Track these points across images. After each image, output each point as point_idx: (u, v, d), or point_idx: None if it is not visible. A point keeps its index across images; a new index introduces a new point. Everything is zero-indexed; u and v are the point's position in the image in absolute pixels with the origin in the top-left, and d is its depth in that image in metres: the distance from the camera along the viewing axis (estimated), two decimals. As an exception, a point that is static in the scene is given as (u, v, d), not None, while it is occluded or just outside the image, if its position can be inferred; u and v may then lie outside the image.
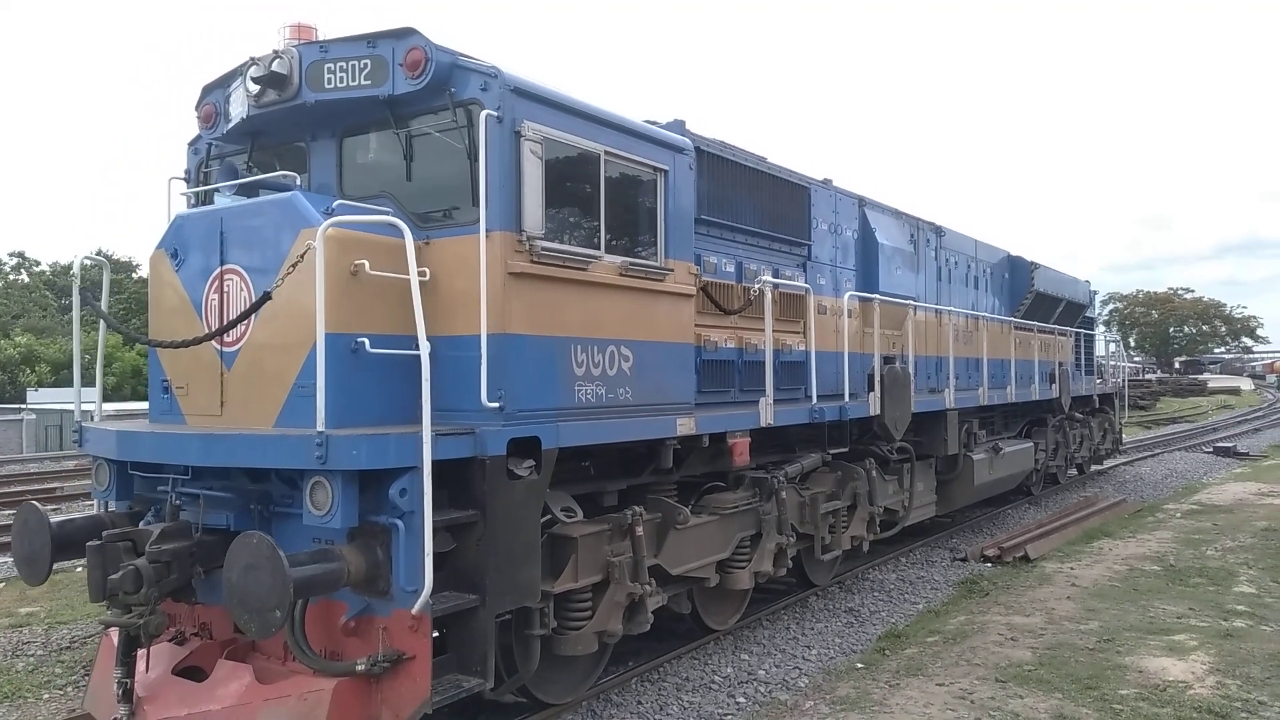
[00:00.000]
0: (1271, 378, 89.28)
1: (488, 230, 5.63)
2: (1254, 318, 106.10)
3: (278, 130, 6.68)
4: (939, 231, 13.28)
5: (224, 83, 6.82)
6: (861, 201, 11.22)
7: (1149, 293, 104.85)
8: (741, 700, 7.06)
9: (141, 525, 5.98)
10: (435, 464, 5.10)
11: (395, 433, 5.23)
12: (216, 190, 6.41)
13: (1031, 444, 15.64)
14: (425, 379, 5.14)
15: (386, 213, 5.74)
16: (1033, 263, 16.66)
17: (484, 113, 5.73)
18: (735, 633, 8.63)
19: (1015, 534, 13.37)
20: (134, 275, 69.47)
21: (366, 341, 5.39)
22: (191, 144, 7.34)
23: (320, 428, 5.04)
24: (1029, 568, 11.32)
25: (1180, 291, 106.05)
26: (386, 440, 5.16)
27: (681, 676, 7.52)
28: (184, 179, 7.31)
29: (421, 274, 5.55)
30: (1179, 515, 15.20)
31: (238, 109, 6.60)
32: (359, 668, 5.19)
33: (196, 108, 7.10)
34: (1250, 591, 9.95)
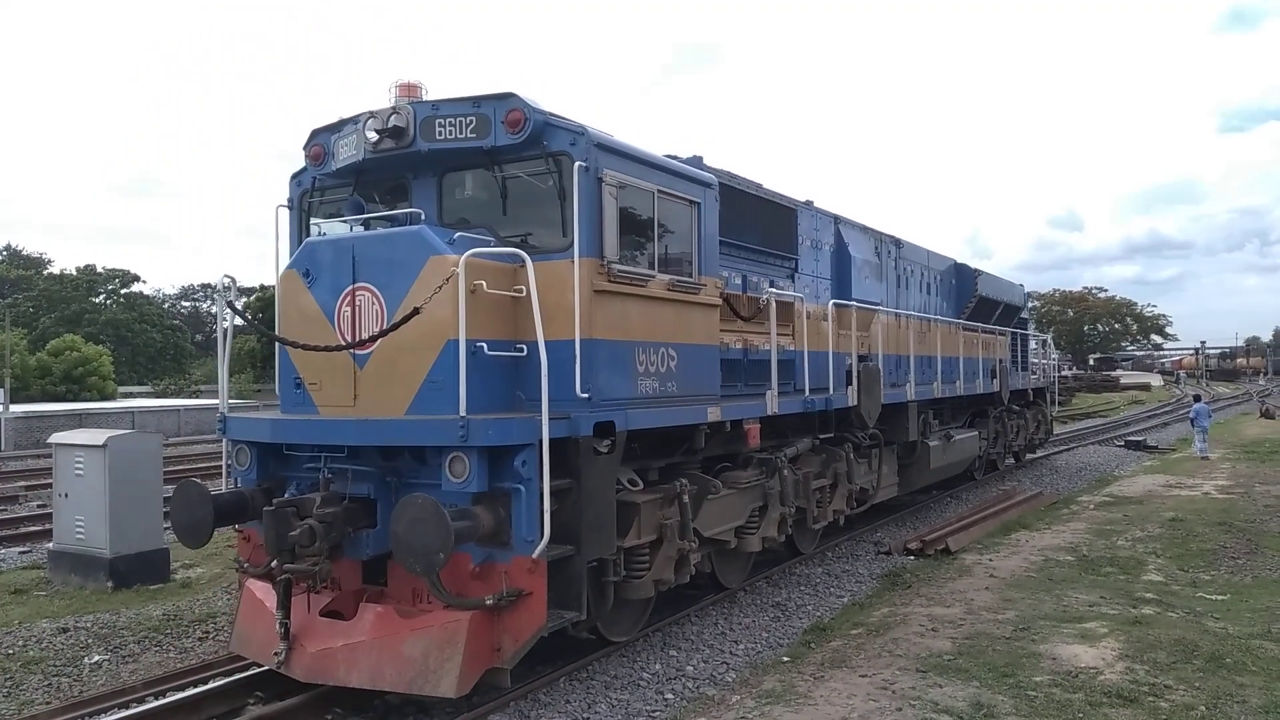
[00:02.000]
0: (1182, 374, 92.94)
1: (579, 257, 7.09)
2: (1163, 316, 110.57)
3: (383, 169, 7.98)
4: (898, 244, 14.91)
5: (334, 129, 8.14)
6: (837, 219, 12.85)
7: (1065, 292, 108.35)
8: (670, 697, 7.11)
9: (288, 497, 7.10)
10: (536, 443, 6.45)
11: (518, 417, 6.66)
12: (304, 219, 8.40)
13: (976, 433, 17.54)
14: (545, 376, 6.50)
15: (489, 241, 7.21)
16: (976, 270, 18.68)
17: (576, 164, 7.13)
18: (664, 629, 8.69)
19: (937, 527, 13.69)
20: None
21: (484, 345, 6.80)
22: (295, 177, 8.62)
23: (462, 413, 6.37)
24: (950, 560, 11.61)
25: (1094, 291, 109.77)
26: (511, 423, 6.56)
27: (610, 674, 7.54)
28: (287, 207, 8.61)
29: (518, 290, 7.04)
30: (1092, 507, 15.77)
31: (349, 152, 7.88)
32: (488, 602, 6.47)
33: (305, 147, 8.39)
34: (1158, 580, 10.36)
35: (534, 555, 6.46)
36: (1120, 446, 27.91)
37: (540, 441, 6.42)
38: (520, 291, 7.00)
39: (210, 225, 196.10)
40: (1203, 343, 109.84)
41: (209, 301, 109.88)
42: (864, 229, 13.70)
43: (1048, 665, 7.07)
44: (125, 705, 7.02)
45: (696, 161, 9.40)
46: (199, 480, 7.42)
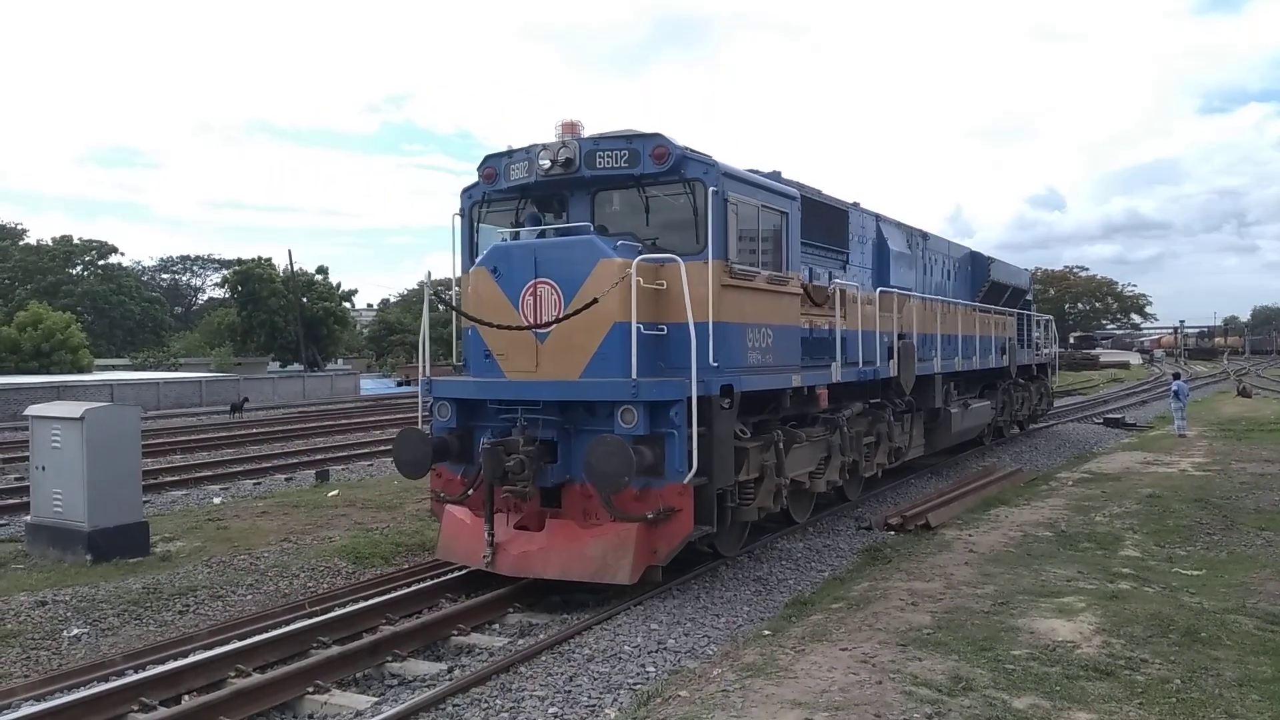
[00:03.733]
0: (1159, 353, 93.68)
1: (711, 259, 9.28)
2: (1143, 295, 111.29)
3: (546, 189, 10.10)
4: (925, 236, 17.32)
5: (505, 155, 10.22)
6: (878, 217, 15.09)
7: (1047, 270, 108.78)
8: (651, 670, 7.14)
9: (497, 439, 9.20)
10: (685, 399, 8.62)
11: (673, 380, 8.83)
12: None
13: (989, 403, 19.69)
14: (694, 350, 8.68)
15: (637, 247, 9.34)
16: (989, 258, 21.16)
17: (710, 189, 9.25)
18: (645, 603, 8.74)
19: (917, 503, 13.80)
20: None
21: (640, 327, 8.73)
22: (467, 191, 10.74)
23: (634, 376, 8.59)
24: (930, 535, 11.69)
25: (1075, 270, 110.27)
26: (669, 384, 8.80)
27: (591, 648, 7.57)
28: (459, 215, 10.76)
29: (660, 284, 9.17)
30: (1071, 484, 15.91)
31: (520, 174, 10.01)
32: (649, 517, 8.66)
33: (479, 168, 10.48)
34: (1135, 555, 10.47)
35: (684, 482, 8.68)
36: (1099, 424, 28.16)
37: (689, 399, 8.61)
38: (661, 285, 9.16)
39: (188, 197, 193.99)
40: (1181, 322, 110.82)
41: (188, 274, 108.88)
42: (898, 224, 15.97)
43: (1026, 639, 7.13)
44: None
45: (776, 175, 11.65)
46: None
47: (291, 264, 64.39)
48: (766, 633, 7.82)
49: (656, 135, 9.49)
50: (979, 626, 7.45)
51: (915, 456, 15.85)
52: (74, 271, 78.74)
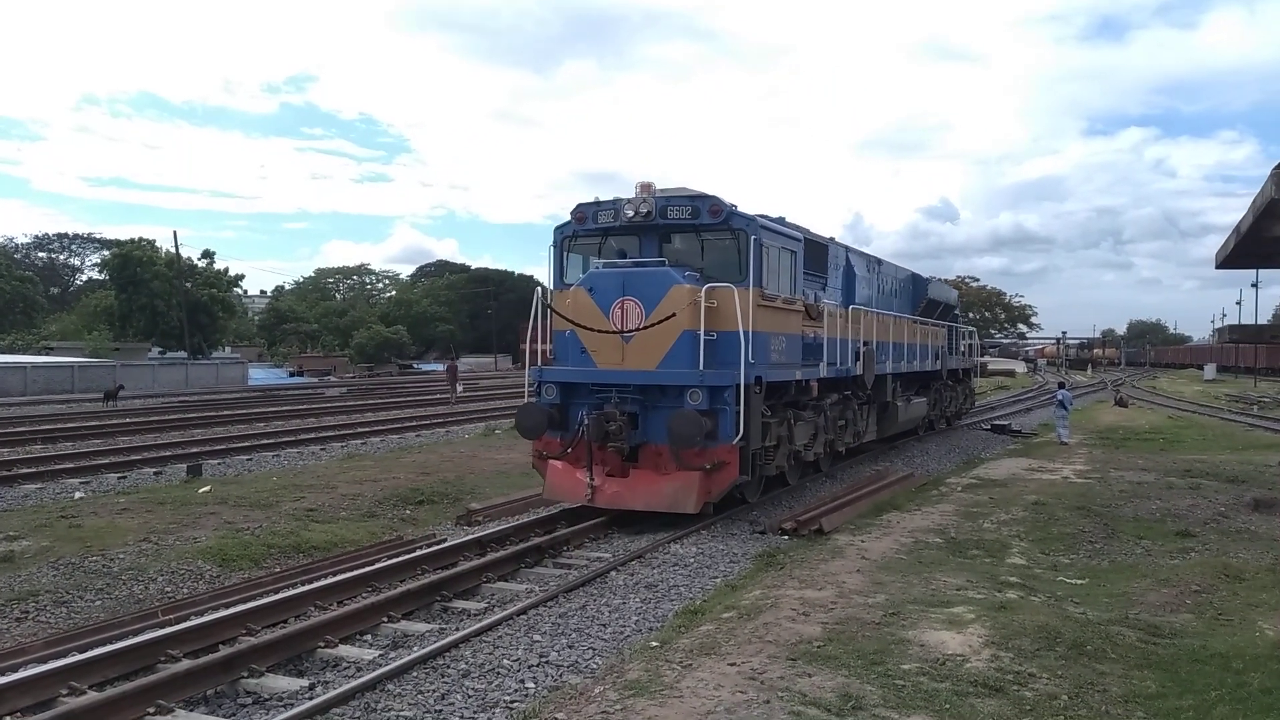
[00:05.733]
0: (1042, 362, 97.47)
1: (751, 286, 12.77)
2: (1030, 306, 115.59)
3: (625, 231, 13.50)
4: (880, 262, 21.23)
5: (594, 204, 13.69)
6: (847, 249, 18.71)
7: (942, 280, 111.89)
8: (531, 685, 6.77)
9: (600, 411, 12.55)
10: (735, 385, 12.09)
11: (725, 371, 12.19)
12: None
13: (925, 399, 23.67)
14: (744, 350, 12.11)
15: (696, 277, 12.72)
16: (927, 279, 25.40)
17: (752, 238, 12.87)
18: (529, 611, 8.34)
19: (811, 507, 13.72)
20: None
21: (703, 334, 12.22)
22: (559, 228, 14.05)
23: (701, 369, 12.19)
24: (823, 540, 11.59)
25: (968, 280, 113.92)
26: (724, 374, 12.18)
27: (468, 662, 7.17)
28: (553, 247, 14.10)
29: (711, 302, 12.41)
30: (960, 489, 16.10)
31: (606, 219, 13.50)
32: (707, 467, 12.04)
33: (572, 213, 13.81)
34: (1021, 563, 10.54)
35: (732, 443, 12.16)
36: (986, 430, 28.82)
37: (737, 385, 12.10)
38: (714, 304, 12.46)
39: (69, 172, 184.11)
40: (1064, 333, 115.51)
41: (66, 253, 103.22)
42: (861, 253, 19.76)
43: (916, 652, 6.97)
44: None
45: (782, 220, 14.89)
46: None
47: (177, 246, 61.53)
48: (654, 644, 7.48)
49: (714, 197, 13.07)
50: (870, 639, 7.26)
51: (869, 440, 19.38)
52: (-63, 246, 73.70)
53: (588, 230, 13.76)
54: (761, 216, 13.66)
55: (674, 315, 12.24)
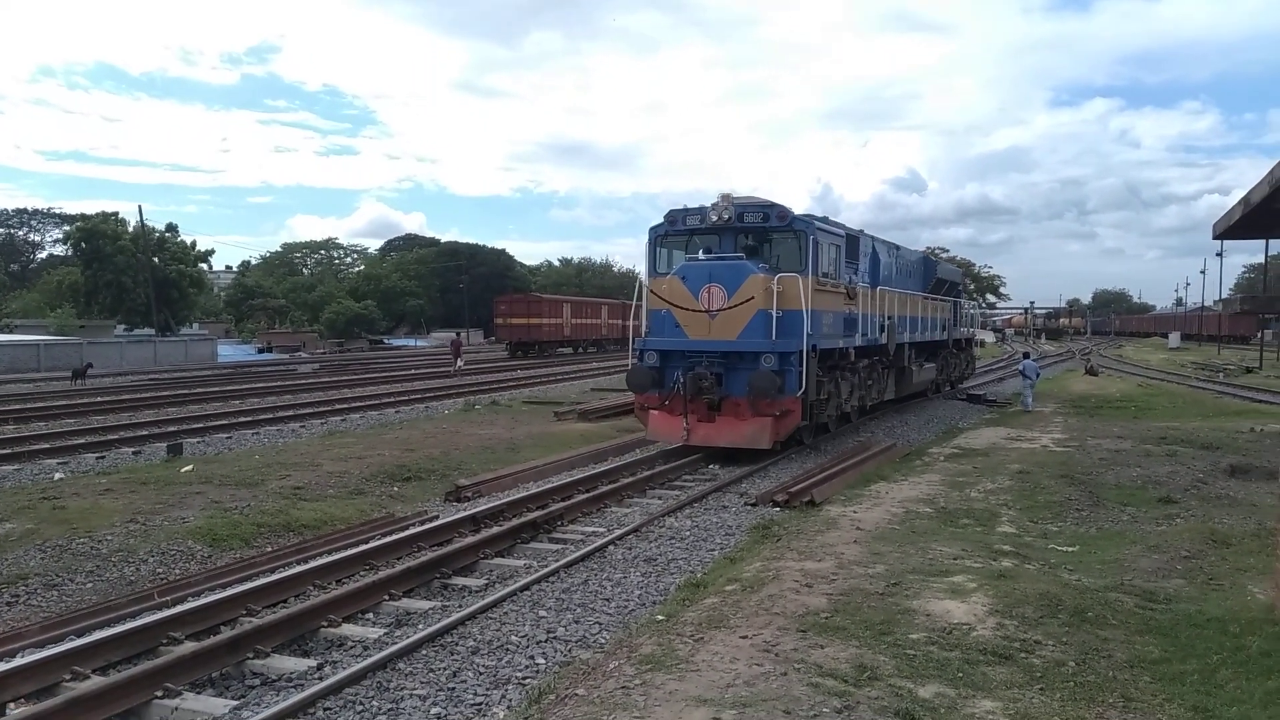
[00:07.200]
0: (1010, 332, 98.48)
1: (810, 275, 16.11)
2: (998, 276, 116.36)
3: (708, 231, 16.95)
4: (898, 247, 24.03)
5: (683, 210, 17.20)
6: (873, 238, 21.46)
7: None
8: (541, 661, 6.76)
9: (694, 371, 16.00)
10: (799, 351, 15.58)
11: (791, 340, 15.63)
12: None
13: (934, 365, 27.20)
14: (806, 325, 15.72)
15: (766, 268, 16.29)
16: (936, 260, 30.65)
17: (810, 237, 16.34)
18: (532, 587, 8.33)
19: (800, 478, 13.81)
20: None
21: (775, 313, 15.69)
22: (654, 229, 17.63)
23: (774, 339, 15.71)
24: (815, 512, 11.64)
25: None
26: (789, 342, 15.64)
27: (475, 639, 7.16)
28: (649, 244, 17.70)
29: (780, 289, 15.67)
30: (943, 459, 16.25)
31: (694, 222, 16.98)
32: (776, 414, 15.57)
33: (665, 216, 17.43)
34: (1012, 531, 10.65)
35: (796, 396, 15.55)
36: (962, 400, 29.11)
37: (802, 351, 15.51)
38: (781, 289, 15.67)
39: (25, 145, 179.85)
40: (1032, 303, 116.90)
41: (25, 229, 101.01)
42: (883, 241, 22.43)
43: (922, 622, 7.02)
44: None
45: (826, 219, 18.28)
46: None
47: (142, 220, 60.39)
48: (660, 618, 7.48)
49: (780, 205, 16.75)
50: (875, 609, 7.30)
51: (889, 398, 22.66)
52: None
53: (677, 230, 17.27)
54: (808, 216, 17.05)
55: (751, 298, 15.64)
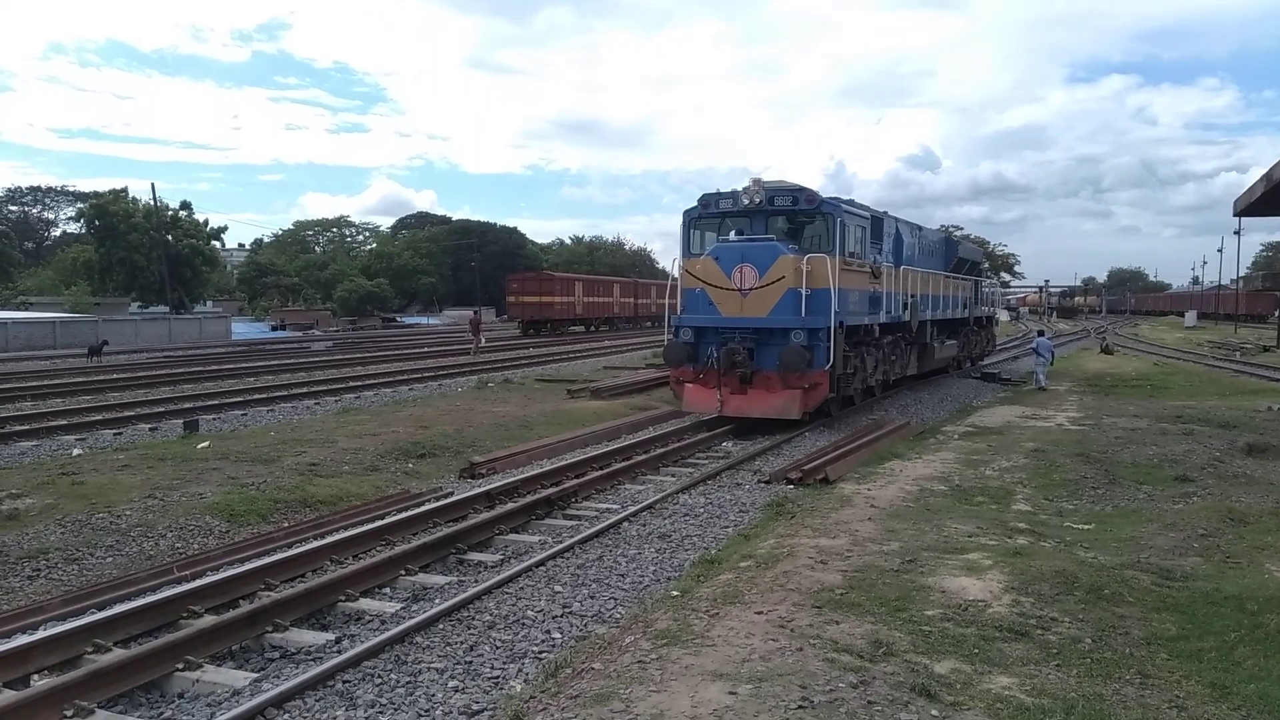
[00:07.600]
0: (1024, 310, 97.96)
1: (837, 255, 17.06)
2: (1013, 255, 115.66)
3: (739, 214, 17.89)
4: (920, 228, 24.85)
5: (716, 194, 18.08)
6: (896, 220, 22.07)
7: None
8: (557, 636, 6.80)
9: (726, 346, 17.19)
10: (827, 328, 16.62)
11: (819, 317, 16.62)
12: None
13: (955, 342, 28.00)
14: (834, 303, 16.62)
15: (794, 248, 17.22)
16: (958, 240, 31.88)
17: (837, 219, 17.30)
18: (547, 562, 8.37)
19: (814, 456, 13.81)
20: None
21: (804, 291, 16.53)
22: (688, 212, 18.54)
23: (803, 315, 16.58)
24: (829, 489, 11.64)
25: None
26: (818, 318, 16.64)
27: (492, 613, 7.20)
28: (683, 226, 18.62)
29: (809, 268, 16.58)
30: (957, 437, 16.21)
31: (726, 205, 17.91)
32: (806, 387, 16.59)
33: (699, 200, 18.33)
34: (1027, 509, 10.61)
35: (824, 370, 16.46)
36: (976, 379, 29.02)
37: (829, 327, 16.43)
38: (809, 269, 16.51)
39: (39, 123, 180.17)
40: (1046, 281, 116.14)
41: (39, 206, 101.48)
42: (906, 222, 23.02)
43: (938, 599, 7.02)
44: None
45: (852, 202, 18.90)
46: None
47: (155, 198, 60.54)
48: (675, 593, 7.50)
49: (809, 189, 17.63)
50: (890, 586, 7.31)
51: (911, 374, 23.49)
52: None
53: (710, 213, 18.21)
54: (835, 199, 17.76)
55: (782, 278, 16.50)
